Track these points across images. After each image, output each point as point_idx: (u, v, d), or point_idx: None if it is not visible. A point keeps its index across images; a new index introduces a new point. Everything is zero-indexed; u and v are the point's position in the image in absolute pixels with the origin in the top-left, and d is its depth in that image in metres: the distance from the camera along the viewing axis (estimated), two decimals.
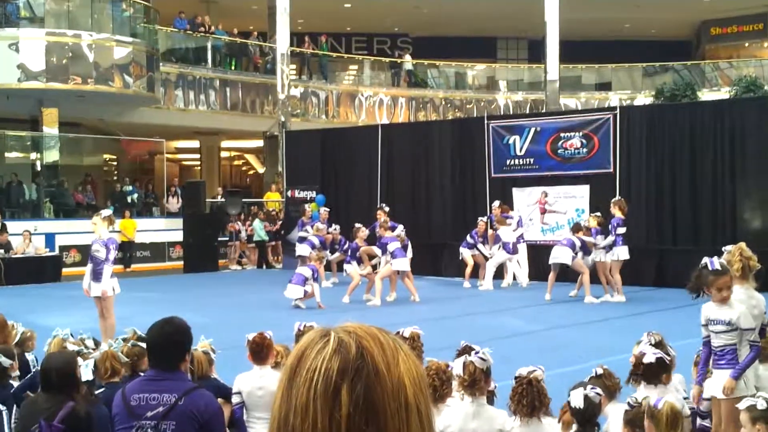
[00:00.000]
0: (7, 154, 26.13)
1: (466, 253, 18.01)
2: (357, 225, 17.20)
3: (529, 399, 4.52)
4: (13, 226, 21.25)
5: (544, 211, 19.16)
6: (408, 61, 33.74)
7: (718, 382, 5.72)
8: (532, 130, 19.37)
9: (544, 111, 27.82)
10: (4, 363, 5.84)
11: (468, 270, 17.95)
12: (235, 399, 5.75)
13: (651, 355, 5.24)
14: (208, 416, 4.14)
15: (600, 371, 5.14)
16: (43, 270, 20.42)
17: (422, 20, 36.51)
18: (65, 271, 20.89)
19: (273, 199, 26.10)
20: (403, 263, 15.54)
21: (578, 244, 15.31)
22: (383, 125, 24.80)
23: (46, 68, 22.45)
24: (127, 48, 23.89)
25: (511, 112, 31.35)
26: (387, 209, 17.66)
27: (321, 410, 1.24)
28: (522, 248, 17.99)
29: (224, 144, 35.34)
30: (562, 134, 18.94)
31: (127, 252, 23.05)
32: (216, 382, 5.88)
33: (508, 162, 19.62)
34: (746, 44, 38.75)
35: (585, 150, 18.64)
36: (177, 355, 4.25)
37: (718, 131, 17.24)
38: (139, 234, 23.88)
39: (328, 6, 33.16)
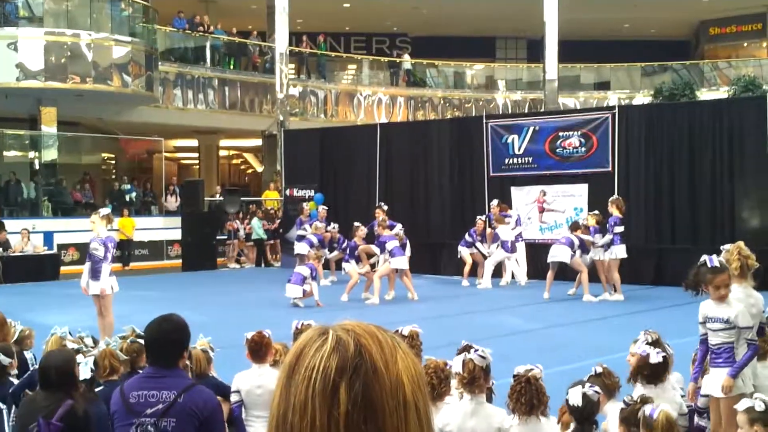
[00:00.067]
0: (5, 153, 26.11)
1: (464, 252, 18.02)
2: (356, 224, 17.20)
3: (528, 397, 4.52)
4: (11, 224, 21.24)
5: (542, 210, 19.17)
6: (407, 61, 33.75)
7: (715, 380, 5.72)
8: (531, 129, 19.37)
9: (542, 110, 27.83)
10: (4, 361, 5.84)
11: (466, 268, 17.96)
12: (233, 397, 5.75)
13: (657, 356, 5.27)
14: (208, 413, 4.14)
15: (599, 370, 5.15)
16: (41, 268, 20.42)
17: (421, 20, 36.50)
18: (63, 269, 20.90)
19: (271, 197, 26.10)
20: (402, 262, 15.55)
21: (577, 242, 15.32)
22: (382, 124, 24.79)
23: (45, 67, 22.44)
24: (125, 47, 23.88)
25: (510, 112, 31.35)
26: (385, 208, 17.67)
27: (319, 408, 1.24)
28: (520, 247, 18.00)
29: (223, 143, 35.33)
30: (560, 133, 18.95)
31: (126, 250, 23.06)
32: (214, 381, 5.88)
33: (506, 161, 19.63)
34: (745, 44, 38.77)
35: (583, 149, 18.64)
36: (175, 352, 4.25)
37: (717, 131, 17.25)
38: (138, 232, 23.90)
39: (327, 6, 33.16)
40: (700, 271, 5.79)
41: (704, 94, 29.89)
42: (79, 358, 5.16)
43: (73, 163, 27.27)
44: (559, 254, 15.41)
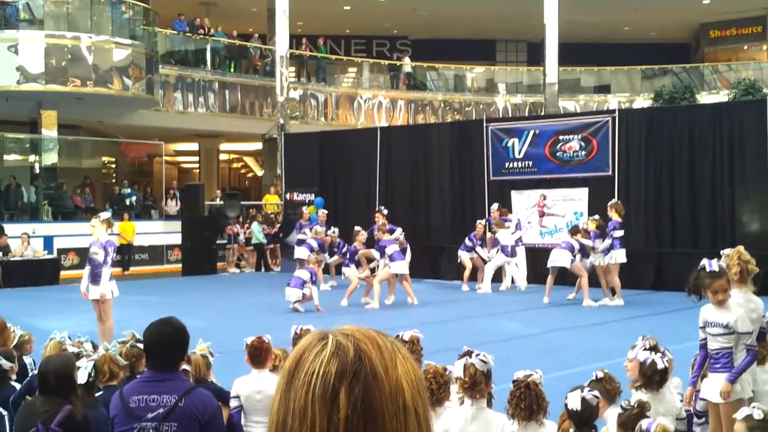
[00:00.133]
0: (5, 157, 26.13)
1: (464, 256, 18.01)
2: (357, 228, 17.21)
3: (527, 402, 4.52)
4: (11, 228, 21.24)
5: (542, 214, 19.17)
6: (407, 64, 33.77)
7: (713, 385, 5.72)
8: (531, 132, 19.37)
9: (542, 114, 27.84)
10: (5, 366, 5.83)
11: (466, 273, 17.96)
12: (233, 403, 5.74)
13: (661, 362, 5.28)
14: (209, 416, 4.15)
15: (600, 375, 5.15)
16: (41, 273, 20.42)
17: (421, 23, 36.54)
18: (63, 273, 20.89)
19: (272, 201, 26.10)
20: (402, 266, 15.54)
21: (577, 247, 15.31)
22: (382, 128, 24.80)
23: (45, 70, 22.45)
24: (126, 50, 23.90)
25: (510, 115, 31.38)
26: (385, 212, 17.66)
27: (319, 413, 1.23)
28: (520, 251, 17.98)
29: (223, 146, 35.34)
30: (560, 137, 18.96)
31: (126, 255, 23.08)
32: (214, 386, 5.87)
33: (506, 165, 19.63)
34: (745, 47, 38.80)
35: (584, 153, 18.65)
36: (176, 355, 4.25)
37: (717, 134, 17.26)
38: (138, 237, 23.91)
39: (327, 9, 33.19)
40: (699, 276, 5.79)
41: (704, 98, 29.91)
42: (80, 362, 5.15)
43: (73, 166, 27.28)
44: (559, 259, 15.40)
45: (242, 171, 40.80)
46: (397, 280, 15.86)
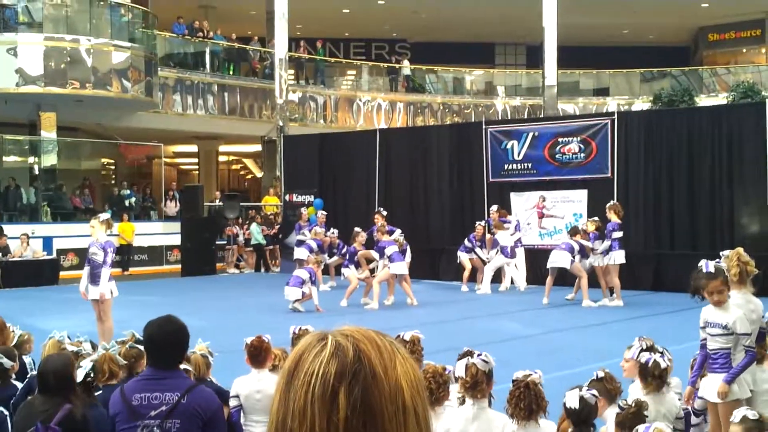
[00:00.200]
0: (5, 159, 26.12)
1: (464, 257, 18.02)
2: (356, 229, 17.22)
3: (527, 402, 4.52)
4: (11, 229, 21.24)
5: (541, 216, 19.17)
6: (406, 67, 33.79)
7: (712, 385, 5.74)
8: (530, 135, 19.38)
9: (542, 116, 27.84)
10: (6, 364, 5.83)
11: (466, 274, 17.96)
12: (232, 402, 5.75)
13: (663, 361, 5.30)
14: (212, 413, 4.18)
15: (601, 374, 5.15)
16: (40, 273, 20.42)
17: (420, 26, 36.56)
18: (63, 274, 20.90)
19: (271, 203, 26.11)
20: (401, 267, 15.54)
21: (576, 247, 15.32)
22: (381, 130, 24.79)
23: (45, 73, 22.45)
24: (125, 53, 23.91)
25: (509, 117, 31.38)
26: (385, 213, 17.66)
27: (319, 414, 1.24)
28: (520, 252, 17.99)
29: (222, 148, 35.35)
30: (559, 139, 18.97)
31: (125, 255, 23.08)
32: (213, 386, 5.87)
33: (506, 167, 19.64)
34: (744, 50, 38.82)
35: (583, 155, 18.66)
36: (178, 353, 4.27)
37: (716, 137, 17.26)
38: (137, 237, 23.92)
39: (326, 11, 33.20)
40: (697, 277, 5.82)
41: (703, 100, 29.92)
42: (83, 362, 5.15)
43: (72, 168, 27.28)
44: (558, 260, 15.41)
45: (241, 172, 40.82)
46: (397, 281, 15.87)
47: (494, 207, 18.27)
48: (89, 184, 26.80)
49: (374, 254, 16.46)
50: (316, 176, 22.73)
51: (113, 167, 31.37)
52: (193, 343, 4.96)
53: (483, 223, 18.39)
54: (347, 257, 17.01)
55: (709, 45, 38.85)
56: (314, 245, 18.33)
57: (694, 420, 5.87)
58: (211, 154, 34.76)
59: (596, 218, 15.91)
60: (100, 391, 5.19)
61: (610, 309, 14.86)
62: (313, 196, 22.25)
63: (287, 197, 23.43)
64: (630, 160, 18.13)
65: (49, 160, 25.19)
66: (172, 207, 26.26)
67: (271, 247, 24.31)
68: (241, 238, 24.41)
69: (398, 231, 16.90)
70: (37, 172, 25.15)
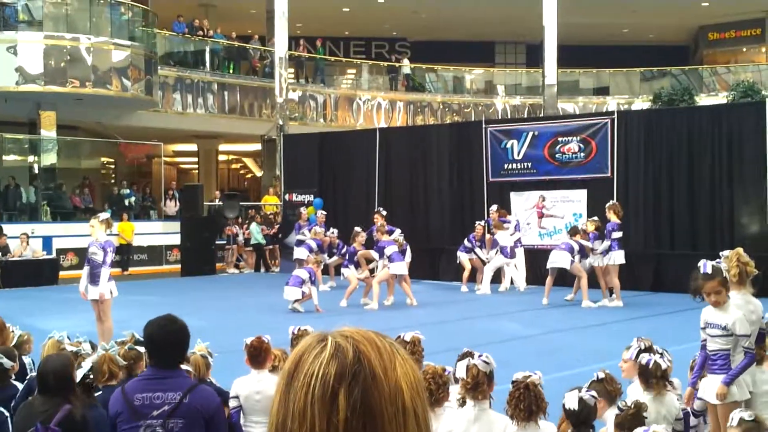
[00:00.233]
0: (4, 157, 26.12)
1: (463, 257, 18.02)
2: (356, 229, 17.21)
3: (527, 403, 4.52)
4: (10, 229, 21.24)
5: (541, 216, 19.17)
6: (406, 65, 33.79)
7: (711, 386, 5.73)
8: (530, 134, 19.37)
9: (542, 115, 27.84)
10: (6, 364, 5.83)
11: (465, 274, 17.96)
12: (232, 403, 5.74)
13: (664, 362, 5.30)
14: (213, 411, 4.20)
15: (601, 375, 5.15)
16: (40, 273, 20.42)
17: (420, 24, 36.56)
18: (62, 274, 20.89)
19: (271, 202, 26.11)
20: (401, 267, 15.53)
21: (576, 247, 15.31)
22: (381, 129, 24.80)
23: (44, 71, 22.45)
24: (125, 51, 23.91)
25: (509, 117, 31.39)
26: (384, 213, 17.66)
27: (318, 415, 1.24)
28: (519, 252, 17.98)
29: (222, 147, 35.34)
30: (559, 138, 18.96)
31: (125, 255, 23.07)
32: (213, 386, 5.87)
33: (505, 166, 19.63)
34: (744, 49, 38.82)
35: (583, 154, 18.65)
36: (179, 353, 4.29)
37: (716, 136, 17.26)
38: (137, 237, 23.92)
39: (326, 10, 33.19)
40: (695, 277, 5.81)
41: (703, 100, 29.92)
42: (84, 363, 5.15)
43: (72, 167, 27.28)
44: (558, 260, 15.40)
45: (241, 172, 40.81)
46: (396, 281, 15.86)
47: (494, 207, 18.26)
48: (89, 183, 26.81)
49: (374, 254, 16.45)
50: (315, 175, 22.73)
51: (113, 166, 31.39)
52: (192, 343, 4.96)
53: (483, 223, 18.38)
54: (347, 257, 17.01)
55: (709, 44, 38.85)
56: (314, 245, 18.34)
57: (692, 421, 5.86)
58: (211, 153, 34.77)
59: (596, 218, 15.91)
60: (100, 392, 5.19)
61: (610, 309, 14.86)
62: (312, 196, 22.25)
63: (287, 197, 23.42)
64: (630, 159, 18.13)
65: (49, 159, 25.20)
66: (171, 206, 26.26)
67: (270, 246, 24.31)
68: (240, 238, 24.41)
69: (398, 231, 16.89)
70: (36, 171, 25.15)
